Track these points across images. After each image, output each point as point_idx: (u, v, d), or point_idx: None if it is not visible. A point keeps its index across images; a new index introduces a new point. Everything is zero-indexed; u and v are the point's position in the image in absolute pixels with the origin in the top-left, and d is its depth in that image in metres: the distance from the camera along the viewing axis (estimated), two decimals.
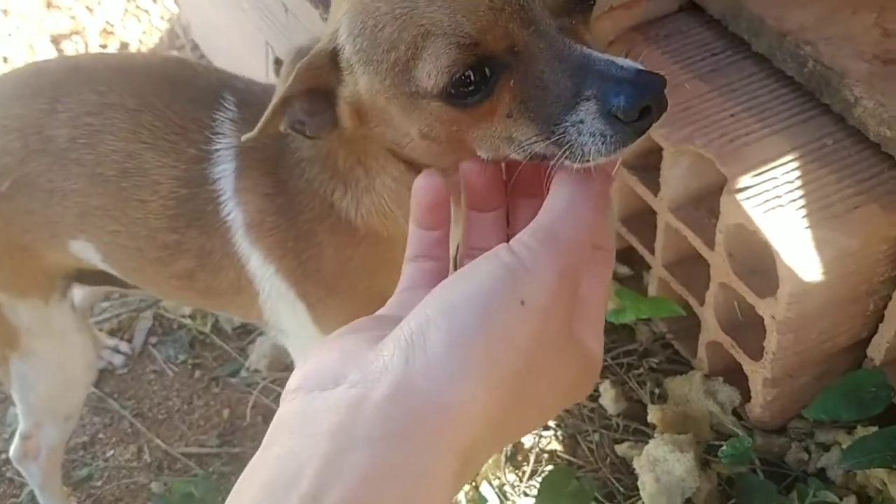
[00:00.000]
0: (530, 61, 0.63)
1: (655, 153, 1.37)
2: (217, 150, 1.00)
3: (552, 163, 0.62)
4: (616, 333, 1.53)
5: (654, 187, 1.38)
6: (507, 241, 0.56)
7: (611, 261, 0.62)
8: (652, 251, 1.47)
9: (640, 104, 0.59)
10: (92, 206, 1.05)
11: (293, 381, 0.53)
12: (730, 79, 1.35)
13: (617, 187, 1.51)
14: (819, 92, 1.25)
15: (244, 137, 0.79)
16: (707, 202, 1.34)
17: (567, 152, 0.61)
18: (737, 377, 1.37)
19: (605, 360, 1.50)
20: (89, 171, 1.03)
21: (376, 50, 0.68)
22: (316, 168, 0.93)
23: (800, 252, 1.11)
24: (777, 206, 1.16)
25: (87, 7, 2.62)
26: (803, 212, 1.15)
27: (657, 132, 1.31)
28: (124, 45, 2.48)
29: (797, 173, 1.19)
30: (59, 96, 1.04)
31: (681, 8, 1.50)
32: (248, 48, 1.65)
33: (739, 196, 1.18)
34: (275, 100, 0.75)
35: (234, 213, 0.99)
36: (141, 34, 2.51)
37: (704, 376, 1.40)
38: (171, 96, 1.04)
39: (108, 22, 2.58)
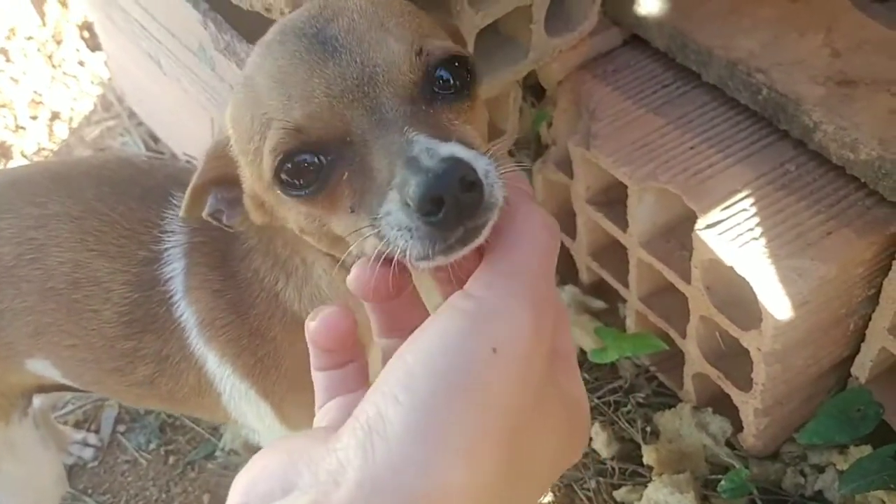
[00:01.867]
0: (364, 151, 0.58)
1: (616, 187, 1.36)
2: (167, 250, 0.97)
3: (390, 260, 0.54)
4: (599, 371, 1.52)
5: (622, 223, 1.37)
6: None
7: (566, 315, 0.57)
8: (625, 284, 1.45)
9: (428, 194, 0.52)
10: (45, 323, 1.00)
11: (234, 494, 0.44)
12: (684, 110, 1.35)
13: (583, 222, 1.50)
14: (776, 119, 1.25)
15: (181, 214, 0.80)
16: (677, 234, 1.34)
17: (391, 248, 0.54)
18: (725, 405, 1.36)
19: (592, 401, 1.48)
20: (39, 286, 0.99)
21: (242, 140, 0.68)
22: (259, 257, 0.90)
23: (778, 285, 1.11)
24: (750, 240, 1.15)
25: (12, 78, 2.52)
26: (777, 243, 1.14)
27: (620, 170, 1.31)
28: (55, 115, 2.39)
29: (765, 203, 1.19)
30: (0, 214, 0.99)
31: (625, 42, 1.49)
32: (190, 115, 1.59)
33: (711, 232, 1.18)
34: (191, 184, 0.76)
35: (186, 313, 0.95)
36: (72, 101, 2.42)
37: (693, 408, 1.39)
38: (115, 199, 1.00)
39: (35, 91, 2.48)
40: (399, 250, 0.54)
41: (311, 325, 0.53)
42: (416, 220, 0.53)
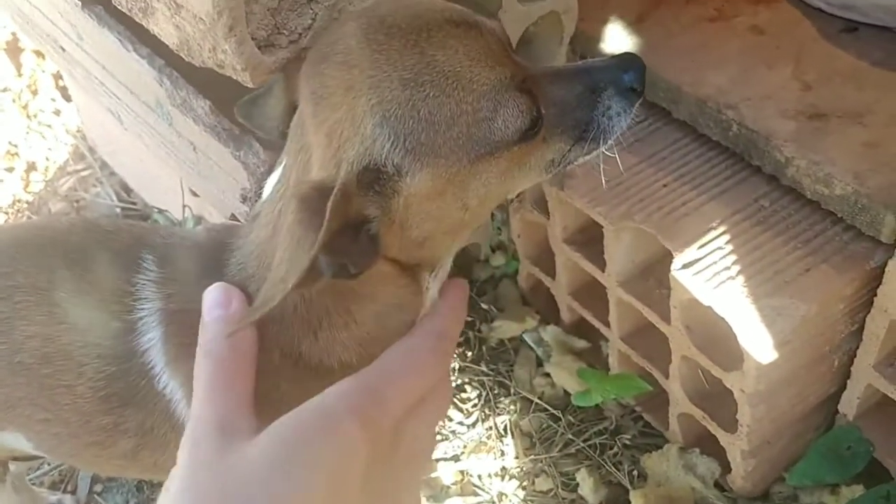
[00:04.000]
0: (537, 87, 0.74)
1: (593, 227, 1.34)
2: (141, 318, 0.91)
3: (576, 161, 0.79)
4: (584, 412, 1.48)
5: (600, 262, 1.35)
6: None
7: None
8: (606, 324, 1.43)
9: (642, 72, 0.77)
10: (16, 398, 0.96)
11: None
12: (655, 148, 1.33)
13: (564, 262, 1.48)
14: (748, 154, 1.23)
15: (250, 313, 0.75)
16: (655, 273, 1.31)
17: (602, 141, 0.78)
18: (713, 444, 1.32)
19: (578, 444, 1.45)
20: (7, 361, 0.94)
21: (437, 134, 0.70)
22: (276, 326, 0.82)
23: (758, 325, 1.08)
24: (727, 279, 1.13)
25: None
26: (755, 281, 1.12)
27: (595, 210, 1.28)
28: (31, 166, 2.37)
29: (741, 240, 1.17)
30: None
31: None
32: (159, 167, 1.57)
33: (687, 272, 1.15)
34: (311, 254, 0.67)
35: (170, 385, 0.90)
36: (47, 152, 2.40)
37: (680, 449, 1.36)
38: (83, 266, 0.95)
39: (11, 143, 2.46)
40: (612, 133, 0.78)
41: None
42: (632, 98, 0.77)
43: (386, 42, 0.72)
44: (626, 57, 0.78)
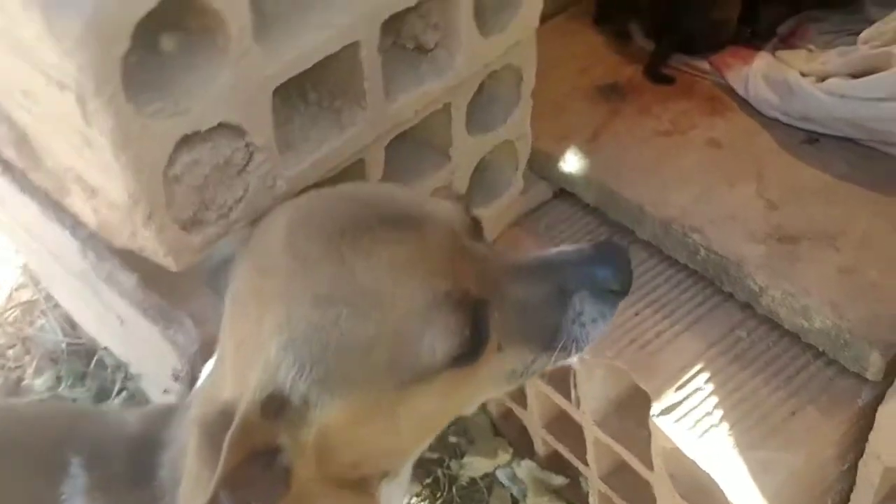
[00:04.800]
0: (495, 288, 0.64)
1: None
2: None
3: (546, 368, 0.67)
4: None
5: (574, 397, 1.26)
6: None
7: None
8: (584, 460, 1.34)
9: (626, 268, 0.65)
10: None
11: None
12: None
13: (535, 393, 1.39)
14: (719, 280, 1.17)
15: None
16: (633, 411, 1.23)
17: (573, 350, 0.66)
18: None
19: None
20: None
21: (350, 362, 0.60)
22: None
23: (746, 481, 1.00)
24: (710, 427, 1.05)
25: None
26: (738, 429, 1.04)
27: None
28: None
29: (720, 379, 1.09)
30: None
31: (555, 195, 1.43)
32: (95, 319, 1.47)
33: (667, 419, 1.07)
34: (208, 493, 0.58)
35: None
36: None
37: None
38: (3, 470, 0.85)
39: None
40: (587, 341, 0.65)
41: None
42: (611, 300, 0.65)
43: (305, 247, 0.63)
44: (603, 248, 0.66)
